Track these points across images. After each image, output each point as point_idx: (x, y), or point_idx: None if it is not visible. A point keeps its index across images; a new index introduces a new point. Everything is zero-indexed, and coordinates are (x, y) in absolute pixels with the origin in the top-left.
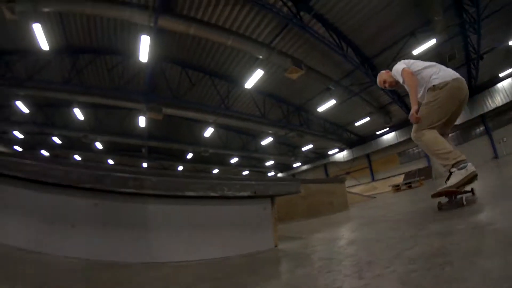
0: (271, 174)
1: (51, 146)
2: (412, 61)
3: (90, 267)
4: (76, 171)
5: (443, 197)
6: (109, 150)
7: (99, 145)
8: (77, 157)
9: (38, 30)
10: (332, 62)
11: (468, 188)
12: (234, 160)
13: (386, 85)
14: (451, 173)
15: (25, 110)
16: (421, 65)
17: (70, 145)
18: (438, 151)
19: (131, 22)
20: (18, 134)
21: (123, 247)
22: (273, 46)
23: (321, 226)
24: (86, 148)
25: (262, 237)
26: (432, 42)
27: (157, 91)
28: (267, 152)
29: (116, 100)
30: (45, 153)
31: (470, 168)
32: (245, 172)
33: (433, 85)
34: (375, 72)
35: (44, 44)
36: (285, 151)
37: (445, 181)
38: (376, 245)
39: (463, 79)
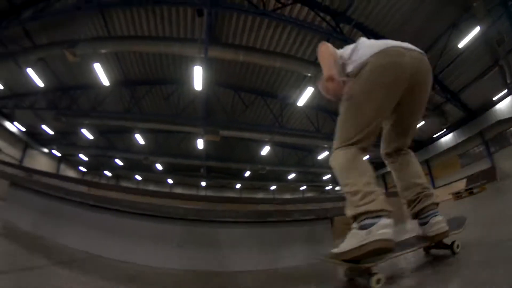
0: (328, 188)
1: (113, 167)
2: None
3: (198, 274)
4: (180, 208)
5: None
6: (169, 170)
7: (159, 166)
8: (138, 177)
9: (98, 68)
10: None
11: (447, 240)
12: (291, 176)
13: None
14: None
15: (90, 136)
16: (349, 50)
17: (132, 166)
18: (345, 186)
19: (182, 55)
20: (83, 157)
21: (217, 259)
22: (319, 63)
23: None
24: (146, 169)
25: (324, 250)
26: (477, 30)
27: (212, 115)
28: (324, 166)
29: (174, 125)
30: (107, 173)
31: (379, 231)
32: (303, 187)
33: (347, 74)
34: None
35: (104, 80)
36: None
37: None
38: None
39: (399, 47)
